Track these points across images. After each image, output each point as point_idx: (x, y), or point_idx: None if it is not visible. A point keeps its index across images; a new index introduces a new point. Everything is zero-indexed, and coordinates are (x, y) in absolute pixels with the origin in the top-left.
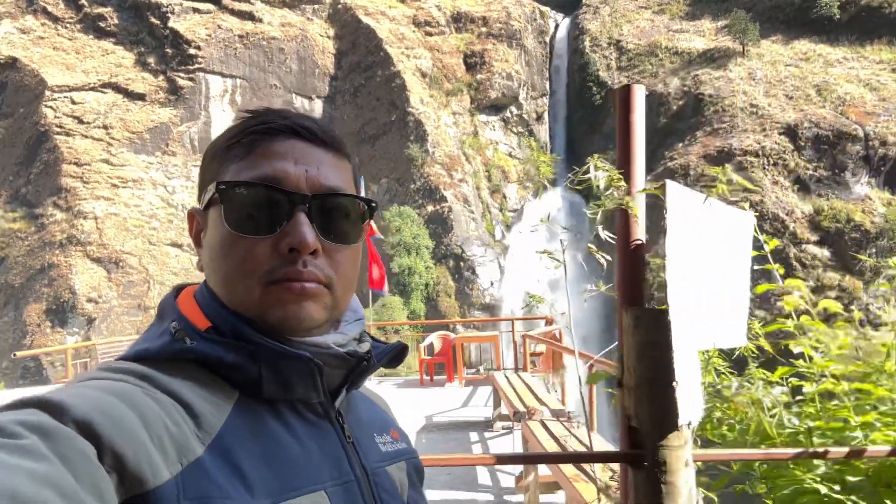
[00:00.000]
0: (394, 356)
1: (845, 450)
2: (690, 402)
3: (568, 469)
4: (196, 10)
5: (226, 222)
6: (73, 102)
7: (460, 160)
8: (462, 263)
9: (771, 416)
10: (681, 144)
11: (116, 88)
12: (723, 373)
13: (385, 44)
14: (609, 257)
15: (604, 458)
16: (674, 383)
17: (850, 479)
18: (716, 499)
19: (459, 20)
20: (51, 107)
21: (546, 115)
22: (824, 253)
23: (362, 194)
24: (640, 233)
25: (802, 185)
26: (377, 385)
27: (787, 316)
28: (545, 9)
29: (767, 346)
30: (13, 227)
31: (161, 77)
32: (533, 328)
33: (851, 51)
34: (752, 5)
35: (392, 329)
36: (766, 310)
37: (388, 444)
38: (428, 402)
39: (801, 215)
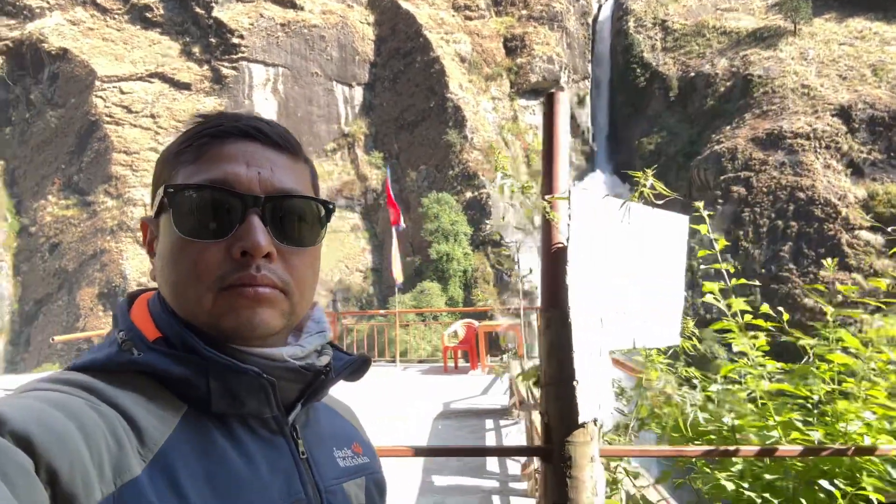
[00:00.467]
0: (354, 369)
1: (755, 449)
2: (592, 401)
3: None
4: (239, 0)
5: (175, 227)
6: (122, 92)
7: (499, 145)
8: (500, 250)
9: (701, 414)
10: (728, 127)
11: (163, 78)
12: (691, 374)
13: (424, 29)
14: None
15: (518, 451)
16: (574, 383)
17: (768, 476)
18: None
19: (500, 3)
20: (100, 97)
21: (588, 99)
22: (878, 239)
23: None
24: (561, 237)
25: (856, 169)
26: (402, 371)
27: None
28: None
29: (695, 344)
30: (67, 214)
31: (206, 66)
32: None
33: None
34: None
35: (431, 316)
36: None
37: (347, 459)
38: (449, 389)
39: (853, 200)
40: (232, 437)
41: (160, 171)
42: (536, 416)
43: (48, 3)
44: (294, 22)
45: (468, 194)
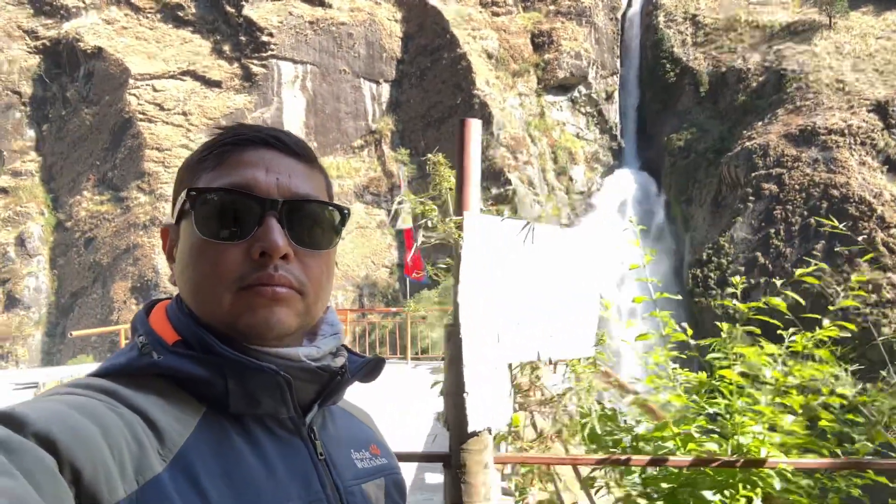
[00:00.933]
0: (369, 371)
1: (646, 458)
2: (484, 412)
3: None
4: None
5: (196, 229)
6: (155, 90)
7: (525, 142)
8: None
9: (605, 423)
10: (760, 123)
11: (194, 76)
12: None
13: (452, 25)
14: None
15: (423, 457)
16: (464, 394)
17: (664, 485)
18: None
19: None
20: (134, 94)
21: (616, 95)
22: None
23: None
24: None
25: (892, 166)
26: (413, 369)
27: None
28: None
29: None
30: (101, 210)
31: (236, 64)
32: None
33: None
34: None
35: None
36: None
37: (366, 461)
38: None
39: (889, 198)
40: (250, 437)
41: (182, 178)
42: (524, 415)
43: (84, 2)
44: (322, 19)
45: (494, 191)
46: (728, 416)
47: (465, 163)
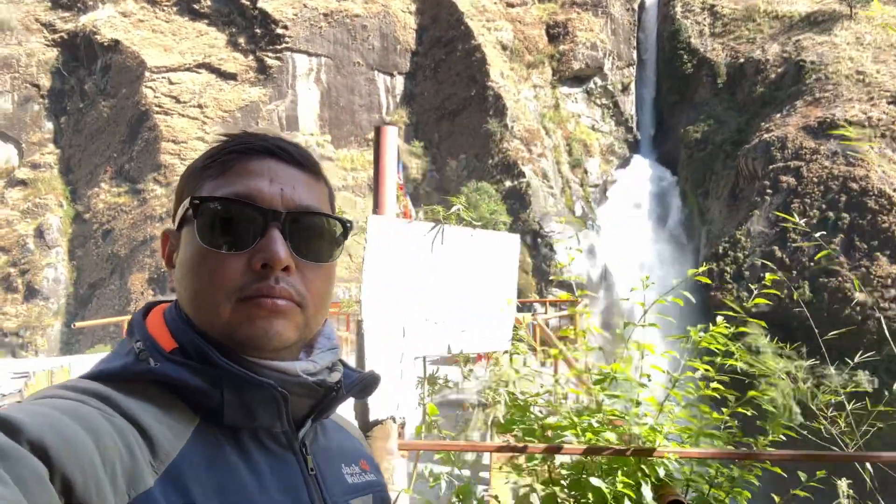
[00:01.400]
0: (364, 387)
1: (542, 447)
2: (386, 402)
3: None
4: None
5: (199, 238)
6: (171, 83)
7: (540, 134)
8: (540, 240)
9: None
10: (778, 115)
11: (210, 69)
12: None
13: (466, 17)
14: None
15: None
16: None
17: (563, 472)
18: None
19: None
20: (150, 87)
21: (632, 86)
22: None
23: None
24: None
25: None
26: (474, 365)
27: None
28: None
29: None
30: (118, 202)
31: (251, 57)
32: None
33: None
34: None
35: None
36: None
37: (355, 476)
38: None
39: None
40: (243, 451)
41: (184, 184)
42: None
43: None
44: (337, 12)
45: (508, 183)
46: (627, 409)
47: (381, 168)
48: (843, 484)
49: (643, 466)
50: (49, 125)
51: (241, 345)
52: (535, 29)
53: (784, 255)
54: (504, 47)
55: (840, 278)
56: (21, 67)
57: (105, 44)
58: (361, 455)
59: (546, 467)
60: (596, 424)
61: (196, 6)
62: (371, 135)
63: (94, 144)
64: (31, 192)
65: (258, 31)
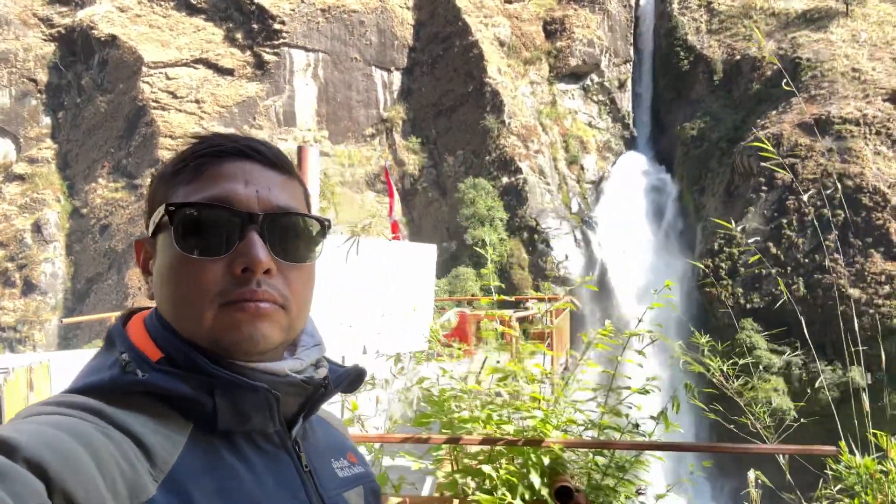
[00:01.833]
0: (351, 381)
1: (444, 437)
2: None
3: None
4: None
5: (176, 245)
6: (168, 78)
7: (537, 131)
8: (536, 236)
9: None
10: (774, 112)
11: (207, 64)
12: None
13: (463, 13)
14: None
15: None
16: None
17: (466, 461)
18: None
19: None
20: (147, 82)
21: (629, 83)
22: None
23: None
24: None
25: None
26: (386, 362)
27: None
28: None
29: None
30: (116, 197)
31: (248, 52)
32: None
33: None
34: None
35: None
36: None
37: (345, 469)
38: (430, 376)
39: None
40: (238, 453)
41: (156, 190)
42: None
43: None
44: (334, 7)
45: (504, 179)
46: (518, 403)
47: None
48: (751, 475)
49: (532, 456)
50: (47, 120)
51: (226, 350)
52: (532, 25)
53: (779, 252)
54: (501, 43)
55: (835, 275)
56: (19, 62)
57: (102, 39)
58: (348, 448)
59: (453, 456)
60: (496, 417)
61: (193, 1)
62: (367, 130)
63: (91, 139)
64: (29, 187)
65: (255, 26)
